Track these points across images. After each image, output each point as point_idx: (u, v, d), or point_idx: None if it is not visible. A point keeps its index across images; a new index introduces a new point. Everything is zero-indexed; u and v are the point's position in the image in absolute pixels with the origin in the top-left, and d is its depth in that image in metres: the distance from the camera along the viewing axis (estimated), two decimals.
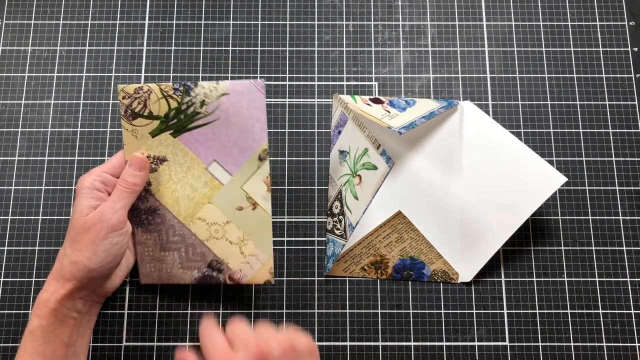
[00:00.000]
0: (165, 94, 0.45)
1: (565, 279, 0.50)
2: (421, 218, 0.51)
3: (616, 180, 0.52)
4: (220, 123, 0.46)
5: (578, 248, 0.51)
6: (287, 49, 0.56)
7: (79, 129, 0.54)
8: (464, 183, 0.51)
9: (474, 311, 0.50)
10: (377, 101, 0.52)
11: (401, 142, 0.52)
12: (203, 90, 0.45)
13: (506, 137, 0.51)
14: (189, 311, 0.50)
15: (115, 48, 0.56)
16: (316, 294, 0.50)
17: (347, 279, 0.51)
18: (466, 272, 0.50)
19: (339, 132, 0.53)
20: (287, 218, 0.52)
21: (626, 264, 0.51)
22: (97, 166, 0.45)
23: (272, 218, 0.50)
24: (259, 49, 0.56)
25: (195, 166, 0.47)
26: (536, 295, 0.50)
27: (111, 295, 0.48)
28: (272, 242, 0.47)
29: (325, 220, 0.52)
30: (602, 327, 0.49)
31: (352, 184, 0.50)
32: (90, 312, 0.46)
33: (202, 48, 0.56)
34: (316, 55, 0.56)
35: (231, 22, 0.57)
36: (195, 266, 0.48)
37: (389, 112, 0.51)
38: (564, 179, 0.48)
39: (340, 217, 0.51)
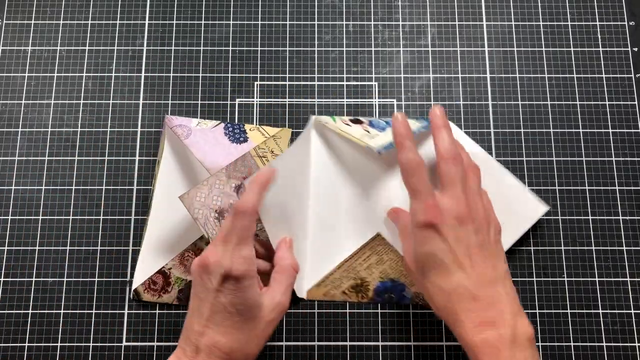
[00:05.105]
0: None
1: (565, 279, 0.50)
2: (400, 240, 0.50)
3: (616, 180, 0.52)
4: None
5: (578, 248, 0.51)
6: (287, 49, 0.56)
7: (79, 129, 0.54)
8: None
9: None
10: (356, 122, 0.50)
11: (379, 164, 0.50)
12: None
13: (489, 160, 0.50)
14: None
15: (115, 48, 0.56)
16: None
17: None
18: None
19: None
20: None
21: (626, 264, 0.51)
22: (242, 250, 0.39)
23: None
24: (259, 49, 0.56)
25: None
26: (536, 295, 0.50)
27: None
28: None
29: None
30: (602, 327, 0.49)
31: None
32: None
33: (202, 48, 0.56)
34: (316, 55, 0.56)
35: (231, 22, 0.57)
36: None
37: (368, 132, 0.49)
38: (546, 209, 0.49)
39: None
